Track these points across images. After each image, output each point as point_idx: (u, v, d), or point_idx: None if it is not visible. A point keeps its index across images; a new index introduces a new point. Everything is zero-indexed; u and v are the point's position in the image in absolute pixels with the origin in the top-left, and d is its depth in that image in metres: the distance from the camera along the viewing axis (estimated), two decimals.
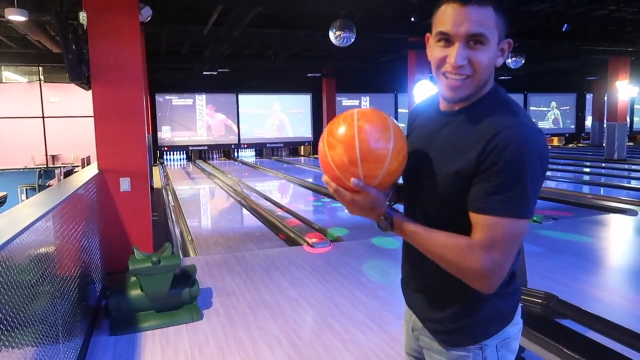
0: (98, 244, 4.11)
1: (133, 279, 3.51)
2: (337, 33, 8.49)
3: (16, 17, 5.59)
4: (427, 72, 13.36)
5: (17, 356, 1.81)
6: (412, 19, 9.72)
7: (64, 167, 8.46)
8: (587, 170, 13.90)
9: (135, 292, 3.47)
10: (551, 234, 6.14)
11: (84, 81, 4.40)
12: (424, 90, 13.59)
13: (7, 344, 1.68)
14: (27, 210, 2.41)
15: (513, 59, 12.23)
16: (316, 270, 4.72)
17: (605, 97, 17.74)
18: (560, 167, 14.06)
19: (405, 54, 13.45)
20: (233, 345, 3.18)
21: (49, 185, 6.99)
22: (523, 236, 1.10)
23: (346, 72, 19.12)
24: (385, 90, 22.35)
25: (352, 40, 8.70)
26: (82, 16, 4.24)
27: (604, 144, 16.59)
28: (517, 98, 24.72)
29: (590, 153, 18.73)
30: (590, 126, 24.45)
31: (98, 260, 4.09)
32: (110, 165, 4.46)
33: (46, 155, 13.47)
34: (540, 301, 2.64)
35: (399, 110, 22.87)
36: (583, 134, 26.06)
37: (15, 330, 1.81)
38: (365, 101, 22.85)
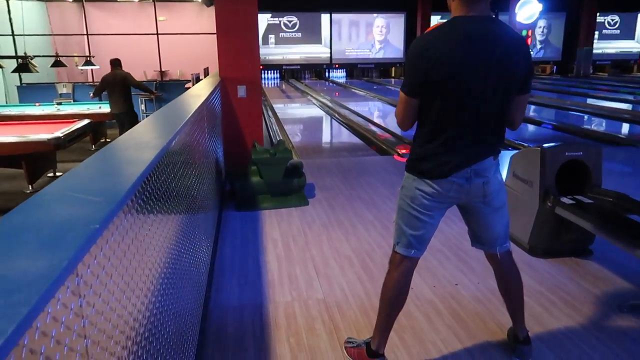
0: (221, 142, 4.87)
1: (254, 167, 4.24)
2: None
3: None
4: None
5: (189, 218, 2.51)
6: None
7: (180, 80, 9.36)
8: None
9: (255, 179, 4.21)
10: None
11: None
12: (527, 10, 12.86)
13: (184, 209, 2.37)
14: (185, 105, 3.08)
15: None
16: None
17: None
18: None
19: None
20: (335, 225, 3.84)
21: (187, 87, 8.07)
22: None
23: None
24: None
25: None
26: None
27: None
28: None
29: None
30: None
31: (221, 155, 4.87)
32: (229, 74, 5.12)
33: (160, 70, 14.69)
34: (611, 199, 2.94)
35: None
36: None
37: (185, 199, 2.49)
38: None
